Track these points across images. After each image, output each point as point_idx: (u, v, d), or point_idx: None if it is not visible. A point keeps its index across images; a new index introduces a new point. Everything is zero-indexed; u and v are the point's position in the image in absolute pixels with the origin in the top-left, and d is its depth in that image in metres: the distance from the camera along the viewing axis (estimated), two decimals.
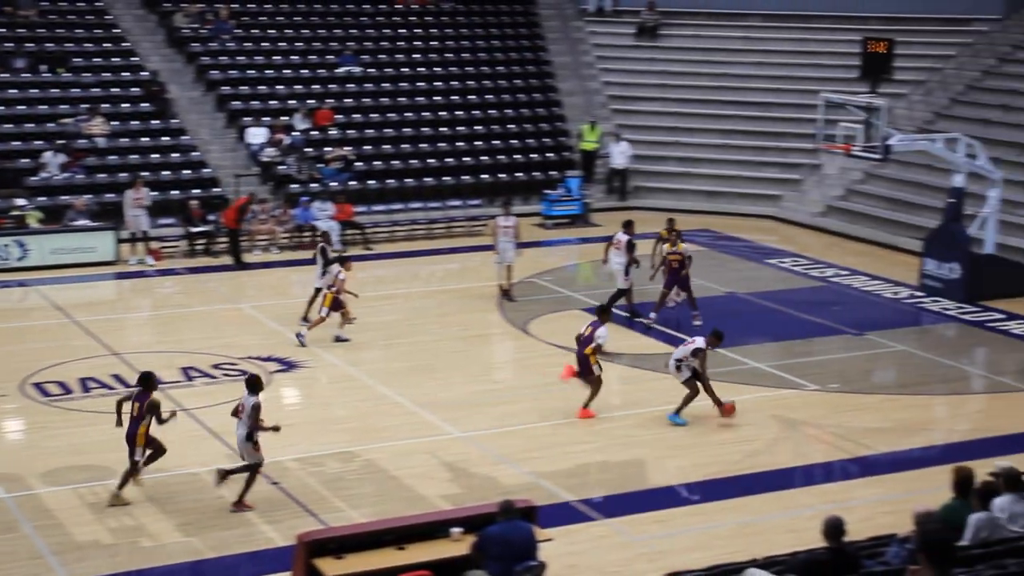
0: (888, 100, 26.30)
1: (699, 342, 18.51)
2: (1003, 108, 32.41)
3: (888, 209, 31.05)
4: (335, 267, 22.51)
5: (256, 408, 15.46)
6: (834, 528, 10.28)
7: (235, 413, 15.77)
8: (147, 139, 31.73)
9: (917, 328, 24.45)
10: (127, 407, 15.73)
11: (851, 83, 31.84)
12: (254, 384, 15.75)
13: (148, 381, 15.81)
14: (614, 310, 21.58)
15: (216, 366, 20.92)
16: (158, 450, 15.96)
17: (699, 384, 18.46)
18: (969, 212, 26.48)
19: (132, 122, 32.05)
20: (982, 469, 12.37)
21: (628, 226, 24.07)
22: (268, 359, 21.26)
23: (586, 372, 18.69)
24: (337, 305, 22.01)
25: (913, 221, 29.76)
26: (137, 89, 32.93)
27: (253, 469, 15.63)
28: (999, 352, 22.82)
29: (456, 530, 13.10)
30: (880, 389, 20.66)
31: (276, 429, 15.70)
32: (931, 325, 24.55)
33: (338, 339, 22.19)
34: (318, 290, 22.91)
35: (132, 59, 34.03)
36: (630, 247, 23.58)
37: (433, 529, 13.26)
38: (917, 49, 34.94)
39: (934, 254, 25.94)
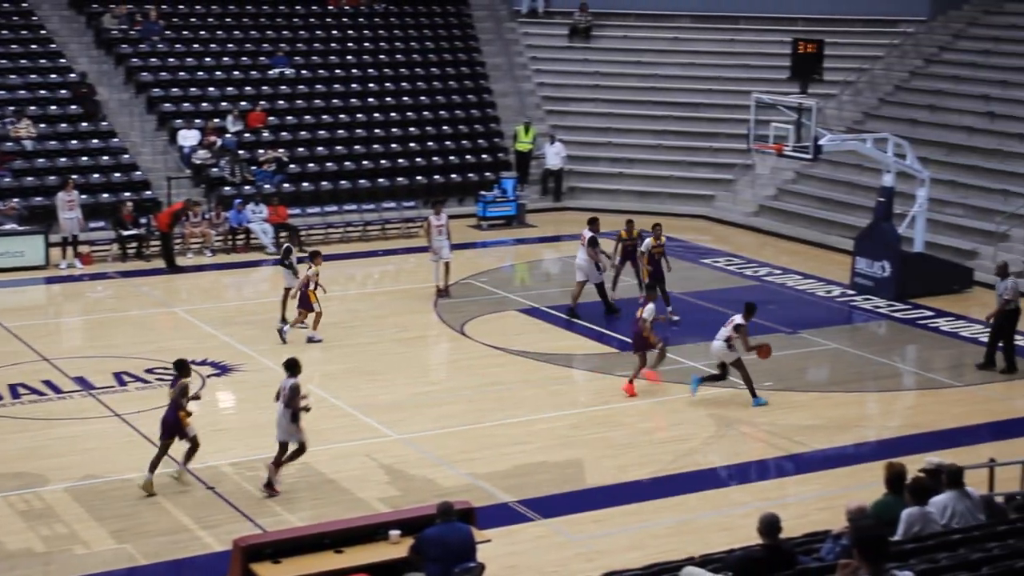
0: (818, 100, 26.58)
1: (737, 319, 19.51)
2: (930, 108, 32.88)
3: (820, 208, 31.39)
4: (305, 265, 22.54)
5: (295, 389, 15.95)
6: (769, 525, 10.36)
7: (278, 396, 16.18)
8: (76, 142, 31.35)
9: (849, 326, 24.74)
10: (170, 393, 16.31)
11: (781, 84, 32.18)
12: (293, 366, 16.21)
13: (182, 367, 16.41)
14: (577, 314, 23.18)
15: (149, 371, 20.72)
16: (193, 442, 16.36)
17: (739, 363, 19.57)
18: (898, 211, 26.84)
19: (60, 124, 31.65)
20: (914, 465, 12.55)
21: (593, 223, 24.53)
22: (203, 363, 21.08)
23: (645, 346, 20.08)
24: (305, 302, 22.16)
25: (844, 220, 30.11)
26: (65, 91, 32.53)
27: (296, 454, 16.11)
28: (929, 349, 23.14)
29: (394, 532, 13.08)
30: (814, 387, 20.88)
31: (307, 409, 16.13)
32: (863, 323, 24.85)
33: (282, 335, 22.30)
34: (287, 290, 22.90)
35: (60, 60, 33.60)
36: (593, 243, 24.03)
37: (371, 532, 13.24)
38: (846, 50, 35.37)
39: (865, 253, 26.25)
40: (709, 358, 21.90)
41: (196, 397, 16.71)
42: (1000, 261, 22.67)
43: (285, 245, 23.48)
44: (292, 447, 16.14)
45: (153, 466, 16.07)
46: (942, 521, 11.39)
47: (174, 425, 16.16)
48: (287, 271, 23.14)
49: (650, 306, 20.15)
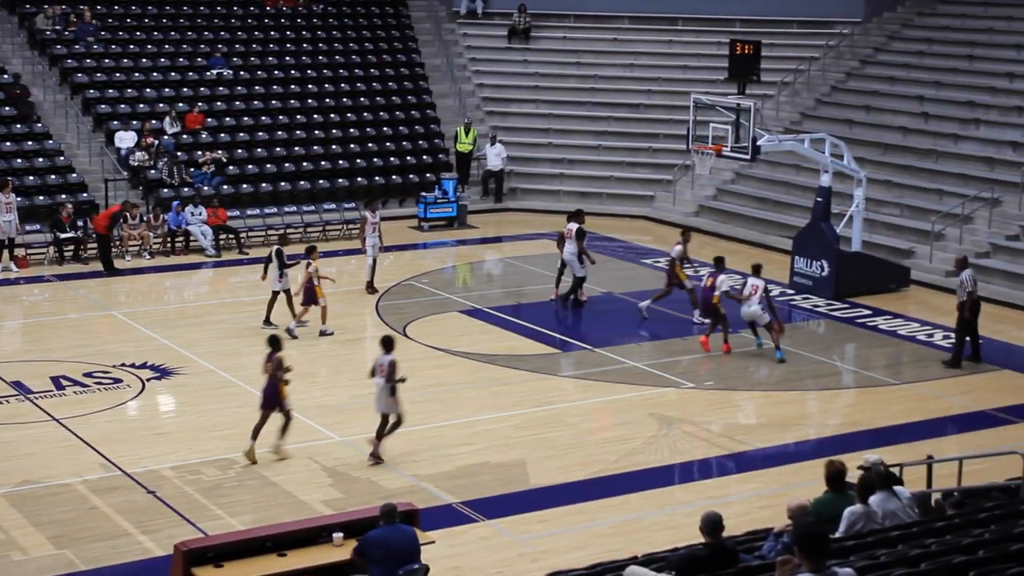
0: (756, 101, 26.80)
1: (758, 283, 22.01)
2: (866, 109, 33.26)
3: (758, 208, 31.65)
4: (302, 263, 22.67)
5: (393, 365, 16.97)
6: (712, 524, 10.44)
7: (372, 373, 17.15)
8: (10, 144, 30.93)
9: (788, 325, 24.90)
10: (267, 368, 17.23)
11: (719, 84, 32.45)
12: (389, 343, 17.21)
13: (275, 342, 17.48)
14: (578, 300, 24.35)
15: (88, 374, 20.50)
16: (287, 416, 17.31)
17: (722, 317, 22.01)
18: (836, 211, 27.12)
19: None
20: (853, 462, 12.70)
21: (577, 215, 24.97)
22: (142, 366, 20.90)
23: (714, 313, 21.99)
24: (310, 298, 22.54)
25: (783, 220, 30.37)
26: None
27: (396, 426, 17.18)
28: (867, 347, 23.40)
29: (338, 535, 13.05)
30: (754, 386, 21.04)
31: (403, 380, 17.15)
32: (802, 322, 25.08)
33: (323, 333, 22.80)
34: (275, 293, 23.02)
35: None
36: (580, 235, 24.41)
37: (314, 535, 13.19)
38: (783, 51, 35.68)
39: (803, 252, 26.49)
40: (651, 357, 22.07)
41: (287, 370, 17.42)
42: (959, 255, 22.98)
43: (276, 247, 23.32)
44: (392, 419, 17.15)
45: (255, 433, 17.11)
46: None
47: (274, 397, 17.14)
48: (282, 273, 23.04)
49: (721, 276, 22.17)
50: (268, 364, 17.26)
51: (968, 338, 21.80)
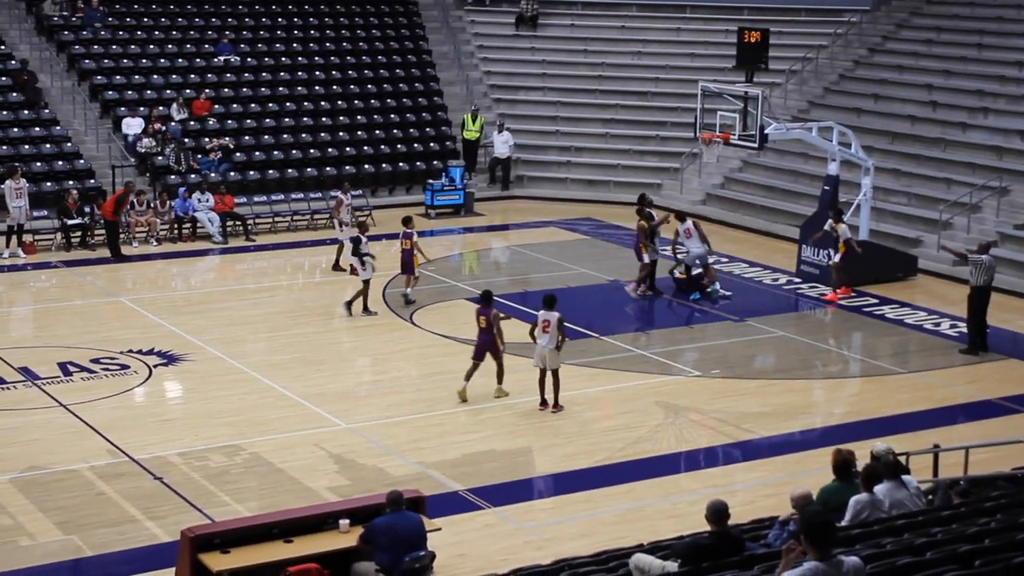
0: (764, 89, 26.75)
1: (684, 225, 24.57)
2: (874, 97, 33.18)
3: (766, 197, 31.60)
4: (406, 229, 24.00)
5: (561, 321, 18.34)
6: (717, 512, 10.44)
7: (532, 331, 18.40)
8: (17, 130, 30.96)
9: (795, 314, 24.93)
10: (481, 321, 18.82)
11: (727, 72, 32.40)
12: (551, 300, 18.48)
13: (487, 297, 19.08)
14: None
15: (95, 360, 20.54)
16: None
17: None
18: (843, 199, 27.08)
19: (2, 113, 31.23)
20: (859, 451, 12.70)
21: (641, 201, 25.64)
22: (149, 352, 20.93)
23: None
24: (409, 266, 23.79)
25: (790, 208, 30.33)
26: (6, 79, 32.11)
27: (558, 377, 18.52)
28: (874, 336, 23.36)
29: (344, 522, 13.07)
30: (760, 374, 21.03)
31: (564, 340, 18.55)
32: (809, 311, 25.05)
33: (406, 299, 23.88)
34: (367, 282, 23.15)
35: (0, 48, 33.15)
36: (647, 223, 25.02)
37: (321, 521, 13.21)
38: (791, 39, 35.63)
39: (810, 241, 26.45)
40: (657, 345, 22.09)
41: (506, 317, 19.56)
42: (983, 241, 22.91)
43: (355, 235, 23.59)
44: (550, 374, 18.55)
45: (468, 376, 18.85)
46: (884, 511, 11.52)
47: (489, 346, 18.79)
48: (362, 261, 23.11)
49: (842, 227, 24.47)
50: (482, 318, 18.82)
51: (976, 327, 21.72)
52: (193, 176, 30.83)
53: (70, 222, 27.92)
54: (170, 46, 34.93)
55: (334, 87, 35.33)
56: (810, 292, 25.69)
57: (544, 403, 18.66)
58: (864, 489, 11.52)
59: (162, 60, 34.35)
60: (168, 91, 33.30)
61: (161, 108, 32.46)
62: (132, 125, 31.71)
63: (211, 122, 32.95)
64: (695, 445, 17.88)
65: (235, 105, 33.83)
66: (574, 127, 35.73)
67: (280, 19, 37.28)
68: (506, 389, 19.15)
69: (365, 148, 33.89)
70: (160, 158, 31.22)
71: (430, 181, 32.38)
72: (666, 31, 38.11)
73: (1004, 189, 28.22)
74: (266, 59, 35.55)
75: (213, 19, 36.52)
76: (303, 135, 33.57)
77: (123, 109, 32.29)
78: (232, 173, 31.57)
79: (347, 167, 33.00)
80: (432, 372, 20.33)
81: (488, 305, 19.00)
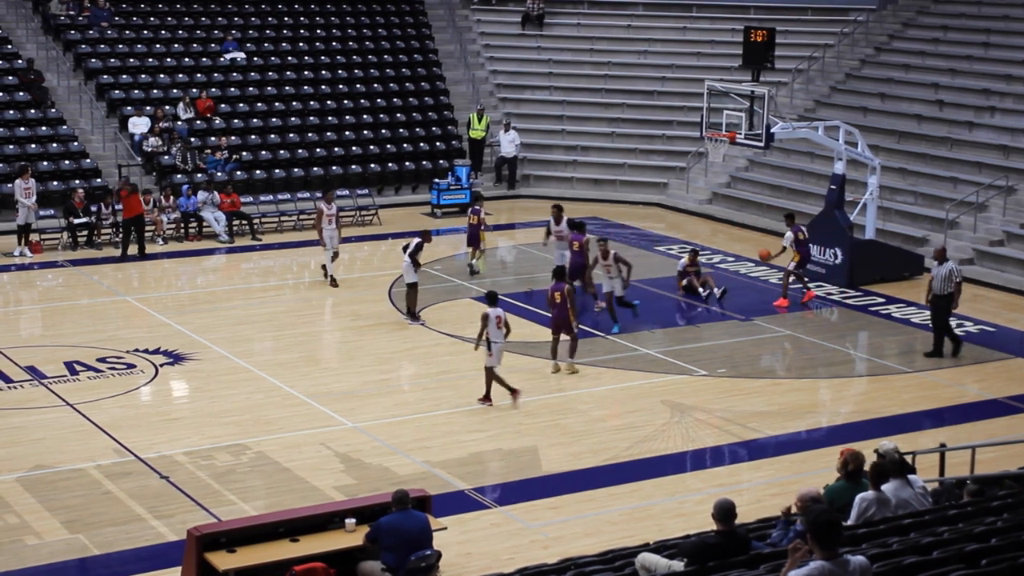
0: (770, 88, 26.72)
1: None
2: (881, 96, 33.14)
3: (772, 196, 31.57)
4: (476, 206, 26.07)
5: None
6: (725, 511, 10.43)
7: (483, 332, 18.55)
8: (24, 129, 31.00)
9: (801, 313, 24.89)
10: (556, 297, 19.89)
11: (733, 71, 32.37)
12: (495, 297, 19.20)
13: (562, 272, 20.37)
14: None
15: (101, 360, 20.56)
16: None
17: None
18: (850, 198, 27.05)
19: (8, 112, 31.27)
20: (865, 450, 12.67)
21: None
22: (155, 351, 20.95)
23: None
24: (475, 240, 25.64)
25: (796, 208, 30.21)
26: (12, 78, 32.14)
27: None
28: (880, 335, 23.33)
29: (350, 521, 13.08)
30: (766, 373, 21.02)
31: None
32: (815, 310, 25.02)
33: (472, 269, 25.80)
34: (412, 285, 22.71)
35: (7, 47, 33.19)
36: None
37: (327, 520, 13.22)
38: (797, 38, 35.59)
39: (817, 240, 26.41)
40: (663, 344, 22.07)
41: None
42: (939, 246, 22.68)
43: (417, 240, 22.81)
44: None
45: (553, 354, 20.20)
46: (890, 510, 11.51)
47: (564, 322, 19.87)
48: (409, 264, 22.63)
49: (788, 234, 24.62)
50: (557, 293, 19.81)
51: (943, 330, 21.51)
52: (199, 175, 30.85)
53: (76, 221, 27.94)
54: (176, 45, 34.96)
55: (340, 86, 35.35)
56: (817, 291, 25.63)
57: (514, 392, 18.74)
58: (872, 487, 11.50)
59: (168, 59, 34.38)
60: (174, 90, 33.33)
61: (167, 107, 32.49)
62: (138, 124, 31.74)
63: (217, 121, 32.97)
64: (701, 444, 17.86)
65: (241, 104, 33.84)
66: (580, 126, 35.72)
67: (286, 18, 37.29)
68: (577, 366, 20.14)
69: (371, 147, 33.90)
70: (166, 157, 31.25)
71: (436, 180, 32.38)
72: (672, 30, 38.09)
73: (1011, 188, 28.18)
74: (272, 58, 35.57)
75: (219, 18, 36.54)
76: (309, 134, 33.58)
77: (129, 108, 32.31)
78: (238, 172, 31.58)
79: (353, 166, 33.01)
80: (438, 371, 20.33)
81: (561, 280, 20.05)
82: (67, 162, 30.48)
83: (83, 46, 33.91)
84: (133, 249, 27.27)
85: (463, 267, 27.45)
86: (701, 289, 24.80)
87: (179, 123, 32.11)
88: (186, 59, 34.57)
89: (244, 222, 29.57)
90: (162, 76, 33.77)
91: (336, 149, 33.41)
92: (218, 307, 23.91)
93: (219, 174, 31.09)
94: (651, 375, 20.57)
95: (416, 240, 22.91)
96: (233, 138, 32.36)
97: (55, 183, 29.60)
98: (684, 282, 25.08)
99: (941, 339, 21.51)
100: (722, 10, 37.88)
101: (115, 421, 17.97)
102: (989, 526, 10.62)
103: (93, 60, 33.56)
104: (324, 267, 25.28)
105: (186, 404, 19.39)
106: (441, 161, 33.91)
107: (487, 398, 18.78)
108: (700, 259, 25.58)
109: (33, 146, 30.60)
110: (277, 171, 32.22)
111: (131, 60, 33.98)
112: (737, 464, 17.34)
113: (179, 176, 30.77)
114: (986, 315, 24.09)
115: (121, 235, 27.34)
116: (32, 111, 31.49)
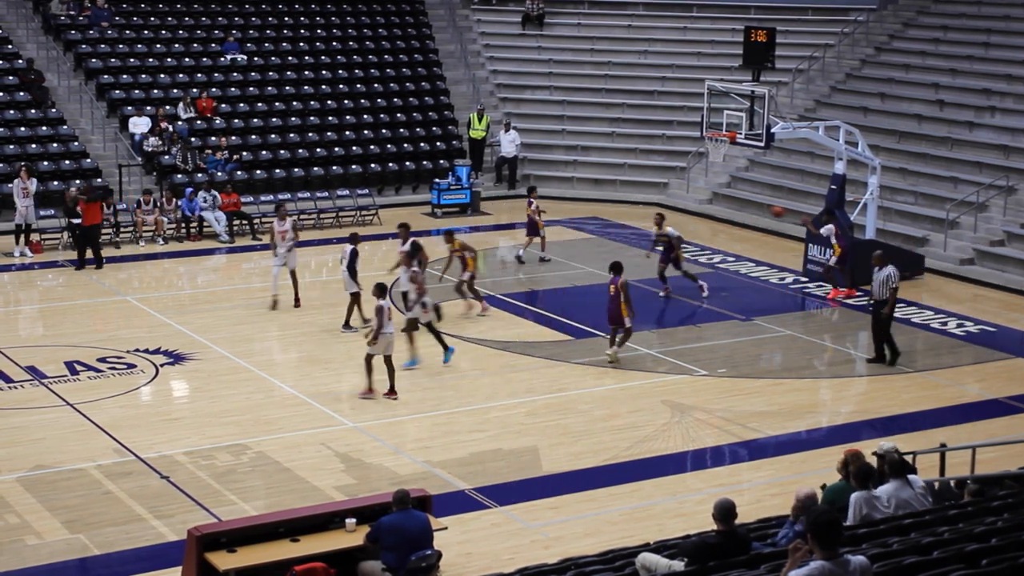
0: (770, 88, 26.73)
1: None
2: (881, 96, 33.14)
3: (772, 196, 31.54)
4: (530, 198, 27.38)
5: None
6: (725, 511, 10.44)
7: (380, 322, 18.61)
8: (24, 129, 31.00)
9: (802, 313, 24.92)
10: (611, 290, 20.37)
11: (734, 71, 32.37)
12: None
13: (619, 267, 20.53)
14: None
15: (102, 359, 20.56)
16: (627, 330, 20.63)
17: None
18: (850, 198, 27.05)
19: (8, 112, 31.27)
20: (865, 450, 12.67)
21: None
22: (156, 351, 20.96)
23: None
24: (534, 229, 26.81)
25: (797, 207, 30.26)
26: (12, 78, 32.14)
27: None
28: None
29: (351, 521, 13.08)
30: (767, 373, 21.02)
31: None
32: (815, 310, 25.03)
33: (541, 259, 26.97)
34: (355, 295, 22.08)
35: (7, 47, 33.20)
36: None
37: (327, 520, 13.22)
38: (797, 38, 35.59)
39: (817, 240, 26.40)
40: (663, 344, 22.06)
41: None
42: (876, 252, 22.20)
43: (351, 248, 22.17)
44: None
45: (612, 342, 20.57)
46: (889, 510, 11.49)
47: (617, 316, 20.34)
48: (347, 275, 22.08)
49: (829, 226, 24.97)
50: (611, 286, 20.31)
51: (882, 336, 21.17)
52: (199, 175, 30.84)
53: (76, 221, 27.87)
54: (176, 45, 34.96)
55: (340, 86, 35.35)
56: (817, 291, 25.66)
57: (391, 390, 18.97)
58: (857, 487, 11.47)
59: (169, 59, 34.38)
60: (175, 90, 33.33)
61: (168, 107, 32.49)
62: (139, 124, 31.73)
63: (217, 121, 32.97)
64: (701, 444, 17.86)
65: (241, 104, 33.84)
66: (580, 126, 35.72)
67: (286, 18, 37.30)
68: (619, 356, 20.61)
69: (371, 147, 33.90)
70: (167, 157, 31.25)
71: (436, 180, 32.39)
72: (673, 30, 38.09)
73: (1011, 188, 28.18)
74: (272, 58, 35.56)
75: (220, 18, 36.55)
76: (309, 134, 33.58)
77: (130, 108, 32.31)
78: (239, 172, 31.58)
79: (353, 166, 33.02)
80: (438, 371, 20.32)
81: (618, 274, 20.36)
82: (67, 162, 30.48)
83: (83, 46, 33.91)
84: (133, 248, 27.31)
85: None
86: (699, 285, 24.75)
87: (179, 123, 32.10)
88: (186, 59, 34.57)
89: (244, 222, 29.57)
90: (162, 76, 33.77)
91: (336, 149, 33.41)
92: (218, 307, 23.91)
93: (219, 174, 31.09)
94: (652, 375, 20.57)
95: (349, 248, 22.19)
96: (233, 138, 32.36)
97: (55, 183, 29.59)
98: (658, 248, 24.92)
99: (881, 345, 21.24)
100: (722, 10, 37.88)
101: (115, 421, 17.97)
102: (989, 526, 10.62)
103: (93, 60, 33.56)
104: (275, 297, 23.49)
105: (186, 404, 19.39)
106: (441, 161, 33.91)
107: (392, 391, 19.05)
108: (702, 260, 25.51)
109: (33, 146, 30.60)
110: (277, 171, 32.22)
111: (131, 60, 33.98)
112: (737, 464, 17.34)
113: (179, 176, 30.76)
114: (986, 315, 24.11)
115: (77, 244, 26.49)
116: (32, 111, 31.49)
